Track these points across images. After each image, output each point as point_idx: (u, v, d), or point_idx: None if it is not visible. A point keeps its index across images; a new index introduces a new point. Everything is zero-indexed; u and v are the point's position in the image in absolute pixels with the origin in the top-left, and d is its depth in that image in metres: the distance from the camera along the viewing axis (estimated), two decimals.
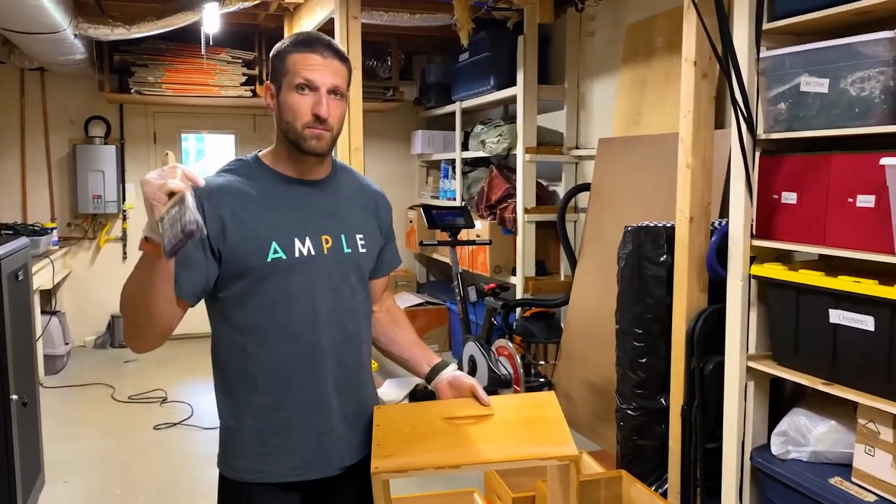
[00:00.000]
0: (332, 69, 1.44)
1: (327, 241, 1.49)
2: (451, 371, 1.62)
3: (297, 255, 1.44)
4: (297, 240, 1.45)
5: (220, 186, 1.43)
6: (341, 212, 1.54)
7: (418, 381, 4.17)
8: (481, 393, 1.54)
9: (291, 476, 1.48)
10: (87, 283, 6.02)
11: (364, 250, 1.56)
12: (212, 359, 1.51)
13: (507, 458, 1.40)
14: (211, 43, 5.06)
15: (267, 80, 1.51)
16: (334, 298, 1.50)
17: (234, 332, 1.45)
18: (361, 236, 1.56)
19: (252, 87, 5.69)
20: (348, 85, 1.49)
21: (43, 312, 5.20)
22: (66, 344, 5.46)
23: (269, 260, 1.42)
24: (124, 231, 6.09)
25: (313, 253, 1.47)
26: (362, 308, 1.58)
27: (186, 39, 5.29)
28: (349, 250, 1.52)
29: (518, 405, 1.58)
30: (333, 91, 1.44)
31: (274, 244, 1.42)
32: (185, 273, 1.37)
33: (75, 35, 4.28)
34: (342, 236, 1.52)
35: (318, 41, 1.45)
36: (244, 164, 1.51)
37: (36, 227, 5.33)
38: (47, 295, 5.56)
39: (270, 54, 1.51)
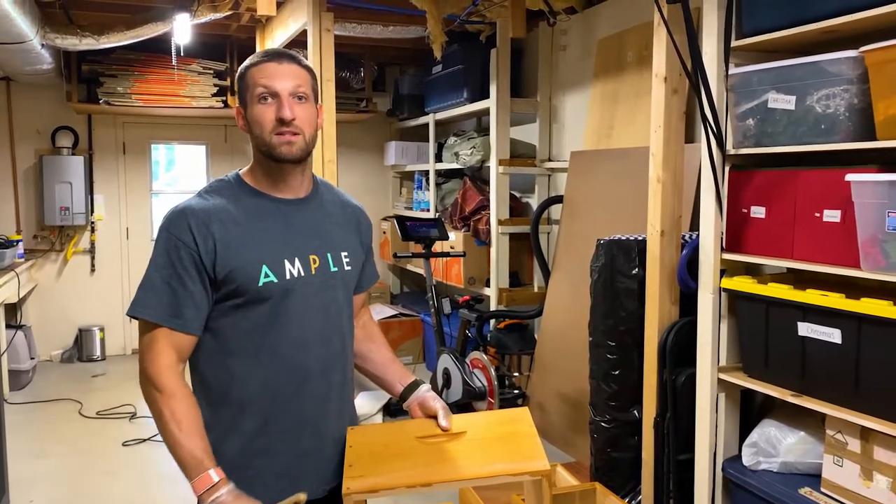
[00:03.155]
0: (290, 73, 1.42)
1: (315, 261, 1.48)
2: (421, 392, 1.60)
3: (287, 277, 1.43)
4: (286, 261, 1.44)
5: (206, 211, 1.40)
6: (326, 230, 1.54)
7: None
8: (441, 419, 1.51)
9: (279, 499, 1.45)
10: (53, 297, 5.90)
11: (349, 268, 1.56)
12: (192, 380, 1.48)
13: (479, 475, 1.40)
14: (182, 53, 5.01)
15: (236, 104, 1.51)
16: (323, 319, 1.49)
17: (222, 355, 1.43)
18: (346, 254, 1.55)
19: (223, 98, 5.65)
20: (314, 91, 1.48)
21: (8, 326, 5.08)
22: (32, 359, 5.35)
23: (260, 284, 1.40)
24: (92, 243, 5.99)
25: (302, 274, 1.45)
26: (348, 326, 1.58)
27: (157, 50, 5.24)
28: (336, 269, 1.52)
29: (491, 421, 1.58)
30: (295, 94, 1.42)
31: (265, 268, 1.41)
32: (191, 310, 1.37)
33: (42, 45, 4.21)
34: (328, 255, 1.51)
35: (275, 52, 1.46)
36: (227, 184, 1.49)
37: (1, 240, 5.22)
38: (12, 308, 5.43)
39: (236, 79, 1.50)
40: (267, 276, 1.41)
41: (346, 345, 1.56)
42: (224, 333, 1.42)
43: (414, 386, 1.62)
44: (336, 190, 1.66)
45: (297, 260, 1.45)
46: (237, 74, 1.48)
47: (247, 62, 1.47)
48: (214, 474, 1.31)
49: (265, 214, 1.45)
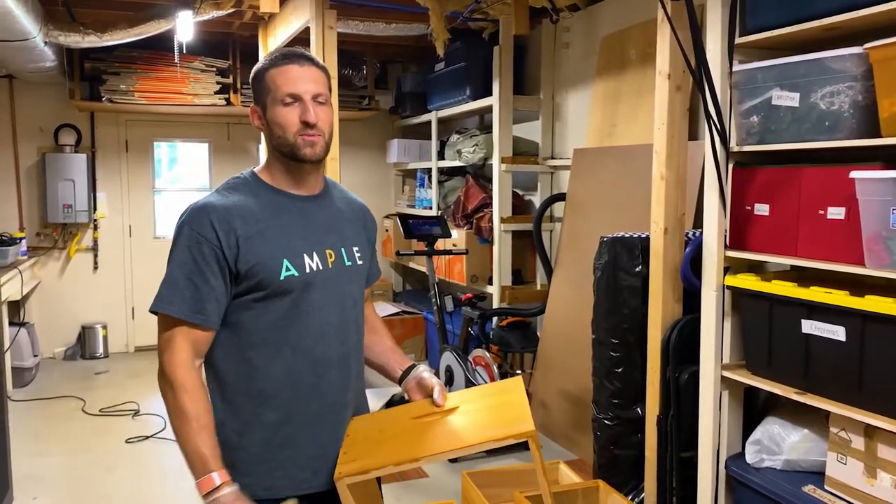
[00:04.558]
0: (311, 77, 1.47)
1: (331, 255, 1.53)
2: (418, 372, 1.62)
3: (307, 270, 1.47)
4: (305, 255, 1.48)
5: (227, 208, 1.43)
6: (338, 225, 1.58)
7: (395, 391, 4.15)
8: (437, 395, 1.53)
9: (300, 489, 1.48)
10: (56, 294, 5.91)
11: (361, 262, 1.60)
12: (209, 375, 1.50)
13: (465, 445, 1.39)
14: (184, 51, 5.01)
15: (251, 104, 1.54)
16: (340, 311, 1.53)
17: (243, 347, 1.45)
18: (357, 248, 1.60)
19: (226, 96, 5.65)
20: (329, 91, 1.52)
21: (11, 324, 5.09)
22: (35, 356, 5.35)
23: (282, 278, 1.44)
24: (95, 241, 5.99)
25: (321, 267, 1.49)
26: (361, 319, 1.63)
27: (160, 47, 5.24)
28: (349, 263, 1.57)
29: (484, 394, 1.60)
30: (317, 97, 1.46)
31: (285, 262, 1.44)
32: (213, 305, 1.40)
33: (45, 42, 4.21)
34: (342, 250, 1.56)
35: (292, 53, 1.49)
36: (244, 182, 1.52)
37: (4, 237, 5.22)
38: (15, 306, 5.45)
39: (250, 78, 1.53)
40: (288, 269, 1.44)
41: (359, 337, 1.61)
42: (245, 327, 1.45)
43: (411, 368, 1.64)
44: (341, 187, 1.71)
45: (315, 254, 1.49)
46: (253, 74, 1.51)
47: (264, 63, 1.49)
48: (217, 477, 1.33)
49: (283, 210, 1.49)
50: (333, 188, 1.65)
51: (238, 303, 1.44)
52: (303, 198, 1.53)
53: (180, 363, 1.38)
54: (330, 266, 1.51)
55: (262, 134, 1.53)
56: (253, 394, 1.45)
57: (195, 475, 1.34)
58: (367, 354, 1.72)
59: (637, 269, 2.84)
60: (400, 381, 1.65)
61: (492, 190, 4.67)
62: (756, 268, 2.51)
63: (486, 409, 1.49)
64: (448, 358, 3.90)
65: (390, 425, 1.50)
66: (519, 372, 4.12)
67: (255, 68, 1.51)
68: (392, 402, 4.40)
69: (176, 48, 4.82)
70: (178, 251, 1.41)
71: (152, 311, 1.41)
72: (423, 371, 1.62)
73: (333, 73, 3.60)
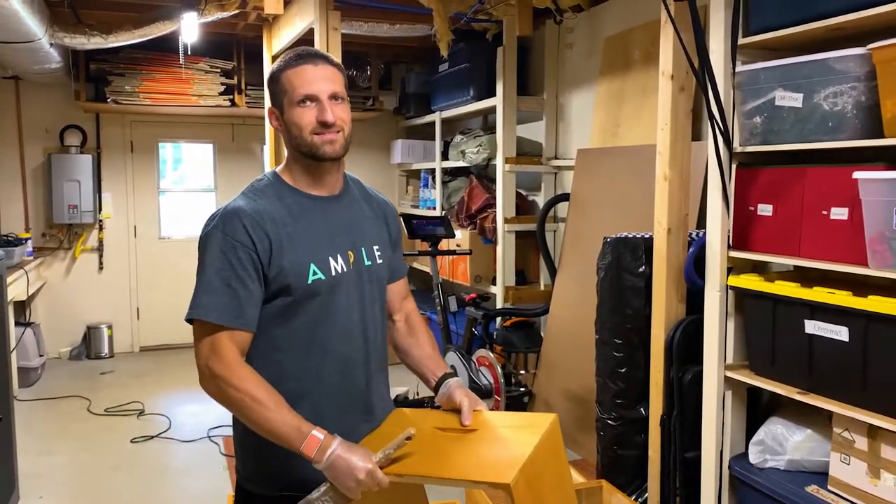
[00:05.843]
0: (327, 76, 1.48)
1: (351, 256, 1.54)
2: (450, 387, 1.59)
3: (333, 273, 1.48)
4: (330, 258, 1.49)
5: (258, 212, 1.44)
6: (358, 225, 1.59)
7: (400, 390, 4.16)
8: (464, 417, 1.50)
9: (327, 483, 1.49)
10: (62, 294, 5.93)
11: (381, 261, 1.61)
12: None
13: (445, 476, 1.36)
14: (189, 52, 5.03)
15: (269, 106, 1.56)
16: (361, 311, 1.55)
17: (272, 350, 1.46)
18: (377, 247, 1.61)
19: (230, 97, 5.66)
20: (346, 88, 1.53)
21: (17, 324, 5.10)
22: (41, 356, 5.38)
23: (309, 282, 1.45)
24: (100, 241, 6.01)
25: (345, 269, 1.51)
26: (381, 317, 1.64)
27: (164, 48, 5.25)
28: (369, 263, 1.58)
29: (507, 424, 1.54)
30: (333, 96, 1.47)
31: (312, 266, 1.46)
32: (252, 309, 1.41)
33: (51, 44, 4.23)
34: (362, 250, 1.57)
35: (306, 53, 1.50)
36: (269, 184, 1.52)
37: (10, 238, 5.24)
38: (21, 306, 5.46)
39: (266, 80, 1.55)
40: (315, 273, 1.46)
41: (380, 335, 1.62)
42: (273, 331, 1.46)
43: (443, 379, 1.61)
44: (362, 184, 1.71)
45: (339, 256, 1.50)
46: (269, 76, 1.52)
47: (280, 64, 1.50)
48: (318, 433, 1.34)
49: (306, 212, 1.50)
50: (354, 186, 1.65)
51: (267, 307, 1.44)
52: (324, 198, 1.53)
53: (231, 361, 1.38)
54: (351, 267, 1.52)
55: (281, 135, 1.53)
56: (285, 394, 1.42)
57: (295, 445, 1.33)
58: (405, 359, 1.73)
59: (640, 270, 2.84)
60: (435, 390, 1.63)
61: (495, 190, 4.67)
62: (759, 268, 2.52)
63: (494, 441, 1.45)
64: (452, 358, 3.90)
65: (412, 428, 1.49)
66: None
67: (270, 70, 1.52)
68: (396, 401, 4.40)
69: (181, 49, 4.83)
70: (212, 257, 1.40)
71: (189, 319, 1.40)
72: (454, 385, 1.59)
73: None
